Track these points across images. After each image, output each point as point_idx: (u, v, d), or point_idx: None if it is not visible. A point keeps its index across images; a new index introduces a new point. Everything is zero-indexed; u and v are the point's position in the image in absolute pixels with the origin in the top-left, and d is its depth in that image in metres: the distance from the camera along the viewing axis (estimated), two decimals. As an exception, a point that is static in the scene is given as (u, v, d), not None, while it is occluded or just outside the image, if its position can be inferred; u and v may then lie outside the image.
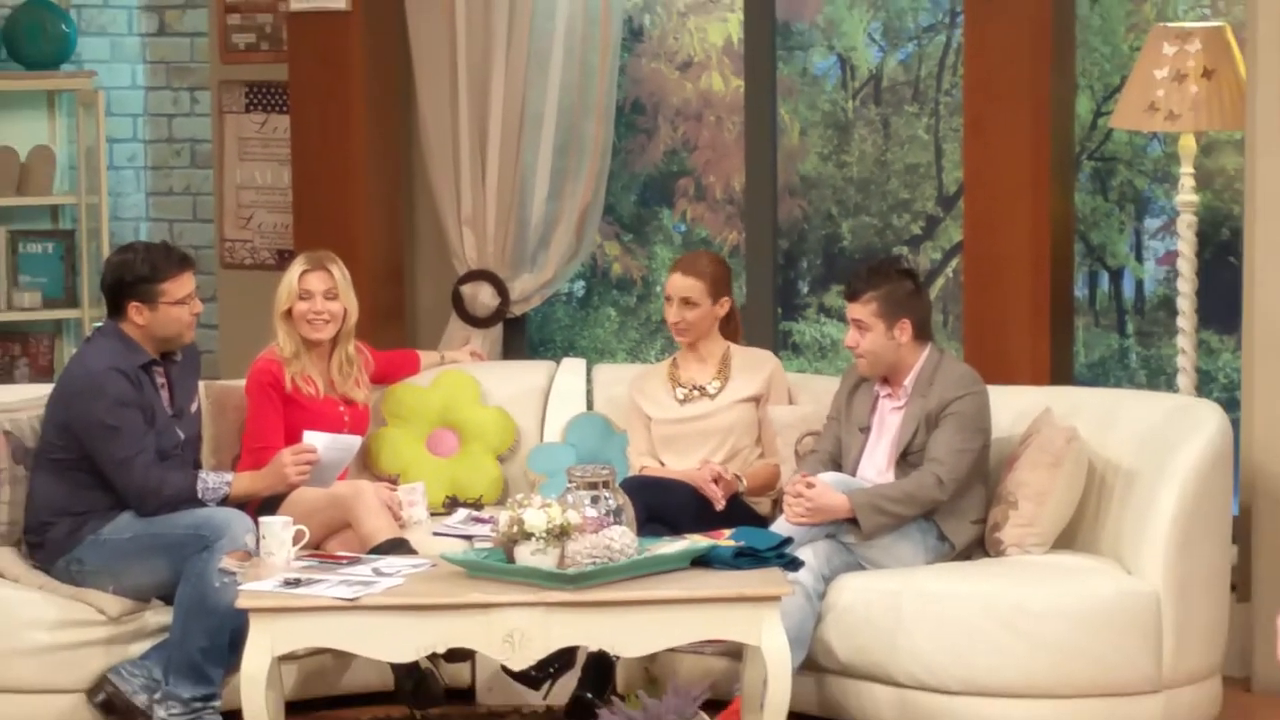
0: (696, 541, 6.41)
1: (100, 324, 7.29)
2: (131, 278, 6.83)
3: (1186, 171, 8.00)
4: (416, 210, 9.28)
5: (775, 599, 6.07)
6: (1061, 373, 8.49)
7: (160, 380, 6.90)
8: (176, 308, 6.83)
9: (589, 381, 8.07)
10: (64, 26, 9.28)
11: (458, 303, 8.90)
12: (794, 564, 6.50)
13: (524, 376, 8.17)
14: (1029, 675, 6.53)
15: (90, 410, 6.68)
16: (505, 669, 6.54)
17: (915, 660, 6.61)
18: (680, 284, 7.33)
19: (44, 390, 7.21)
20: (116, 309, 6.88)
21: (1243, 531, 7.37)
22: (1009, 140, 8.27)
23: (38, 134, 9.41)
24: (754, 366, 7.72)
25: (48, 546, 6.75)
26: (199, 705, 6.45)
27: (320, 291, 7.31)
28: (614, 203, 10.17)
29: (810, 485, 6.77)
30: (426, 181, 9.11)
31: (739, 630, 6.12)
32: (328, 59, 8.90)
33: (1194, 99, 7.78)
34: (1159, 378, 9.21)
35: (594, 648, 6.43)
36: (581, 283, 10.53)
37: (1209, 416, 7.05)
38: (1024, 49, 8.24)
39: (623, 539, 6.10)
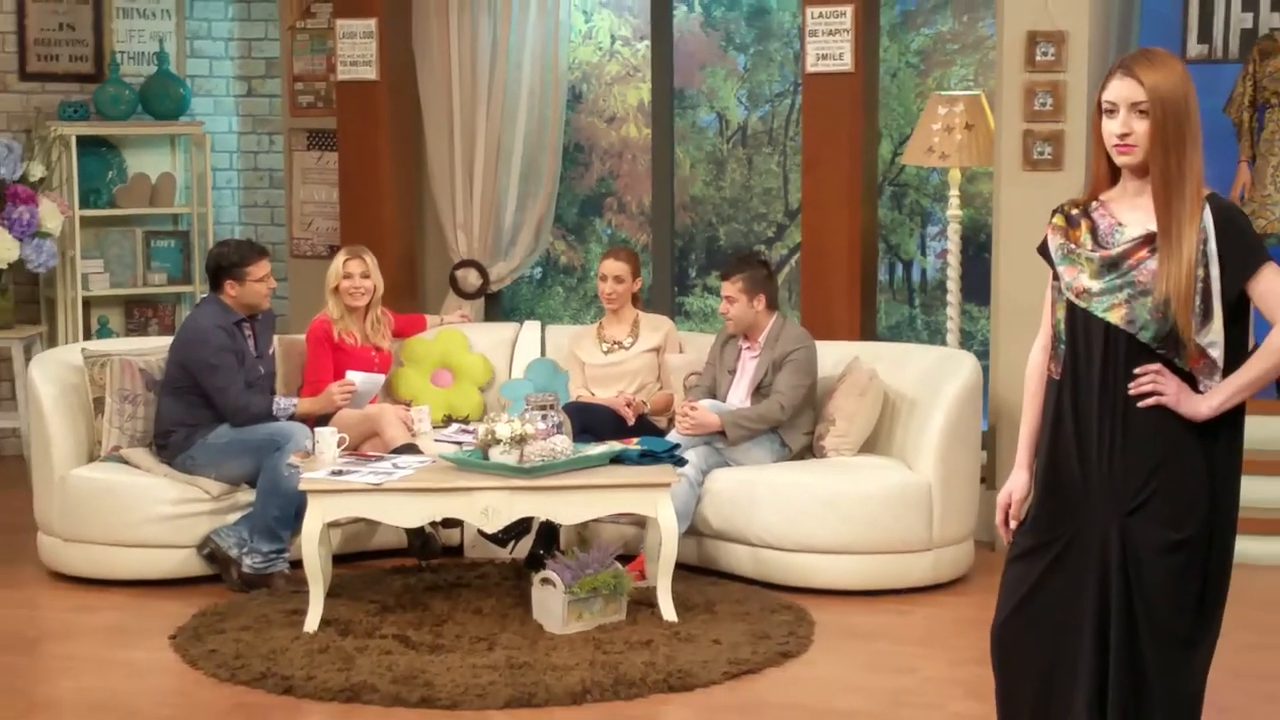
0: (613, 446, 6.60)
1: (205, 295, 7.42)
2: (226, 263, 7.03)
3: (954, 195, 8.19)
4: (424, 218, 9.28)
5: (667, 485, 6.37)
6: (868, 332, 8.54)
7: (248, 333, 7.07)
8: (257, 284, 7.04)
9: (543, 337, 8.15)
10: (182, 90, 9.32)
11: (453, 282, 9.00)
12: (681, 462, 6.71)
13: (498, 333, 8.29)
14: (841, 538, 6.83)
15: (199, 353, 6.88)
16: (482, 533, 6.93)
17: (764, 528, 6.90)
18: (612, 267, 7.55)
19: (167, 340, 7.32)
20: (216, 285, 7.08)
21: (990, 441, 7.75)
22: (834, 172, 8.30)
23: (163, 165, 9.46)
24: (656, 327, 7.90)
25: (170, 448, 6.92)
26: (274, 555, 6.72)
27: (358, 273, 7.47)
28: (562, 213, 10.27)
29: (694, 408, 7.04)
30: (431, 198, 9.17)
31: (642, 506, 6.46)
32: (364, 114, 8.91)
33: (959, 144, 7.99)
34: (936, 337, 9.26)
35: (543, 518, 6.70)
36: (539, 269, 10.75)
37: (967, 362, 7.38)
38: (844, 109, 8.27)
39: (563, 444, 6.39)
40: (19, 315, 8.84)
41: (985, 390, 7.55)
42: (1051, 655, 3.95)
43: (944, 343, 8.30)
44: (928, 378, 7.29)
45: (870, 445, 7.30)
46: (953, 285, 8.28)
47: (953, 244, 8.32)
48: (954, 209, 8.25)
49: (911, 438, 7.18)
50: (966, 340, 8.48)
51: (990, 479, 7.62)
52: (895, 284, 11.38)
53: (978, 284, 8.47)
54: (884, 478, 7.02)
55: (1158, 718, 3.86)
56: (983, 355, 7.86)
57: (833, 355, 7.41)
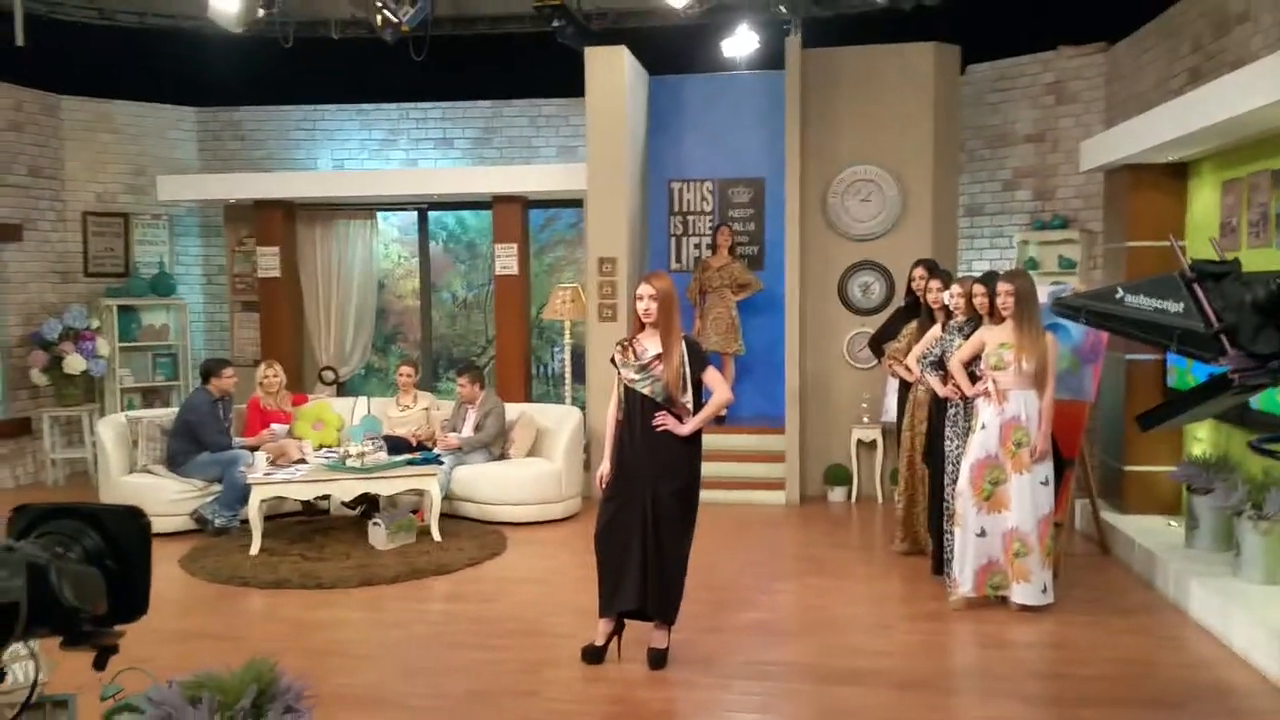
0: (406, 457, 6.35)
1: (198, 385, 7.01)
2: (210, 369, 6.78)
3: (567, 332, 7.90)
4: (304, 345, 8.64)
5: (434, 474, 6.22)
6: (527, 398, 8.06)
7: (220, 407, 6.72)
8: (226, 380, 6.73)
9: (368, 404, 7.44)
10: (172, 281, 8.71)
11: (320, 377, 8.53)
12: (440, 462, 6.39)
13: (345, 403, 7.52)
14: (520, 496, 6.58)
15: (196, 416, 6.62)
16: (343, 503, 6.69)
17: (483, 493, 6.59)
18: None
19: (171, 411, 7.07)
20: (204, 380, 6.78)
21: (588, 448, 7.19)
22: (512, 320, 7.96)
23: (163, 319, 8.71)
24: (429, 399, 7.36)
25: (176, 464, 6.62)
26: (232, 518, 6.43)
27: (272, 374, 7.07)
28: (375, 342, 9.67)
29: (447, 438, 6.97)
30: (308, 334, 8.61)
31: (422, 484, 6.22)
32: (272, 293, 8.39)
33: (570, 309, 7.55)
34: (558, 401, 8.32)
35: (373, 492, 6.39)
36: (364, 370, 9.60)
37: (576, 413, 7.12)
38: (516, 291, 7.97)
39: (383, 457, 6.24)
40: (84, 399, 8.37)
41: (584, 426, 7.27)
42: (622, 545, 4.08)
43: (565, 402, 7.97)
44: (558, 419, 7.12)
45: (534, 451, 7.04)
46: (568, 376, 8.02)
47: (566, 356, 8.04)
48: (567, 339, 8.01)
49: (549, 448, 6.99)
50: (575, 401, 7.95)
51: (589, 468, 7.08)
52: (540, 375, 11.18)
53: (580, 375, 8.09)
54: (539, 467, 6.84)
55: (670, 565, 4.08)
56: (583, 408, 7.54)
57: (512, 410, 7.16)
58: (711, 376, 4.11)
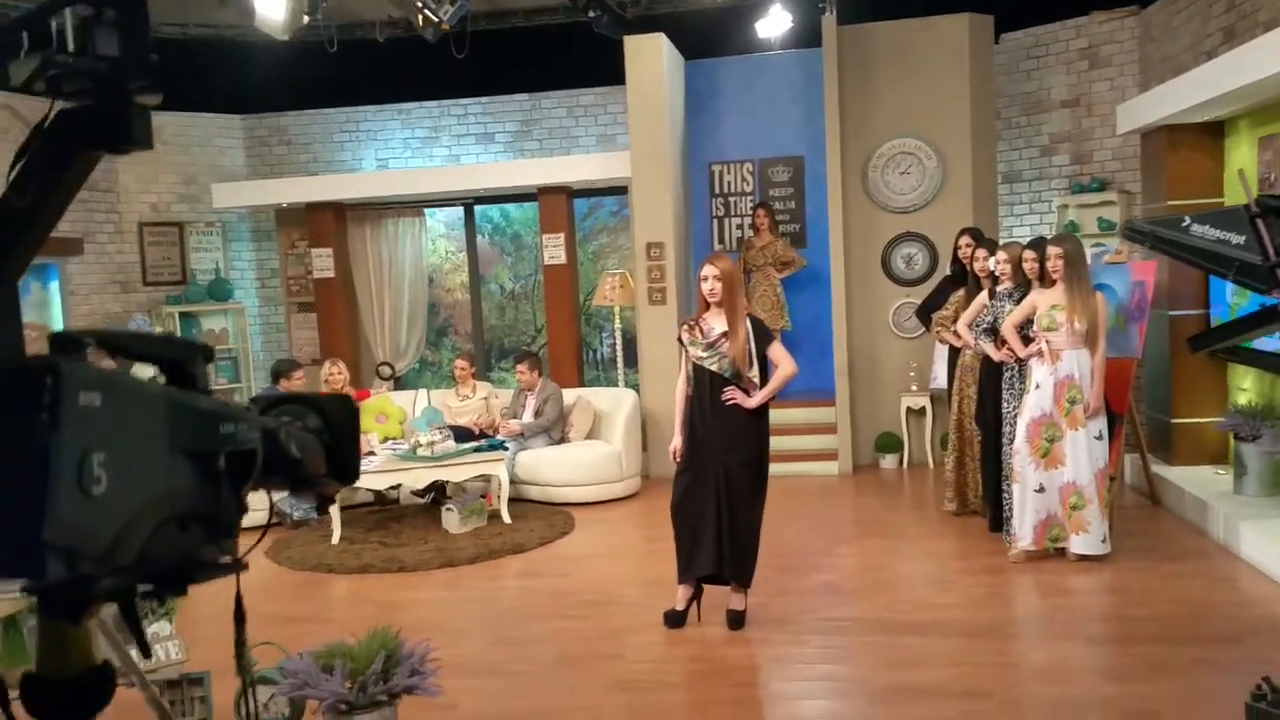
0: (473, 445, 6.55)
1: (268, 385, 7.12)
2: (281, 369, 6.89)
3: (617, 318, 8.36)
4: (360, 342, 8.86)
5: (500, 459, 6.42)
6: (580, 383, 8.15)
7: None
8: (297, 381, 6.80)
9: (428, 396, 7.61)
10: (229, 286, 8.92)
11: (377, 372, 8.71)
12: (505, 448, 6.59)
13: (405, 396, 7.70)
14: (582, 478, 6.75)
15: None
16: (413, 491, 6.93)
17: (546, 476, 6.71)
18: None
19: None
20: (275, 379, 6.90)
21: (644, 429, 7.36)
22: (560, 309, 8.20)
23: (222, 324, 8.94)
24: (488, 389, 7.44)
25: None
26: (310, 510, 6.44)
27: (335, 371, 7.13)
28: (428, 336, 9.75)
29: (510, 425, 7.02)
30: (363, 331, 8.82)
31: (489, 470, 6.42)
32: (328, 293, 8.63)
33: (619, 294, 7.66)
34: (612, 384, 8.56)
35: (442, 479, 6.47)
36: (418, 364, 9.78)
37: (630, 395, 7.28)
38: (564, 281, 8.16)
39: (451, 445, 6.43)
40: (150, 403, 8.69)
41: (640, 407, 7.42)
42: (697, 514, 4.25)
43: (617, 385, 8.20)
44: (614, 402, 7.32)
45: (592, 434, 7.22)
46: (619, 361, 8.27)
47: (617, 340, 8.30)
48: (617, 324, 8.27)
49: (607, 430, 7.18)
50: (628, 385, 8.16)
51: (646, 448, 7.43)
52: (590, 360, 11.25)
53: (631, 360, 8.28)
54: (599, 449, 7.01)
55: (743, 532, 4.27)
56: (636, 390, 7.70)
57: (569, 395, 7.33)
58: (776, 351, 4.31)
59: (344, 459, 1.32)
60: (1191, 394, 6.10)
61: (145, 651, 1.31)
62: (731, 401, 4.22)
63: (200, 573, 1.07)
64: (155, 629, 3.75)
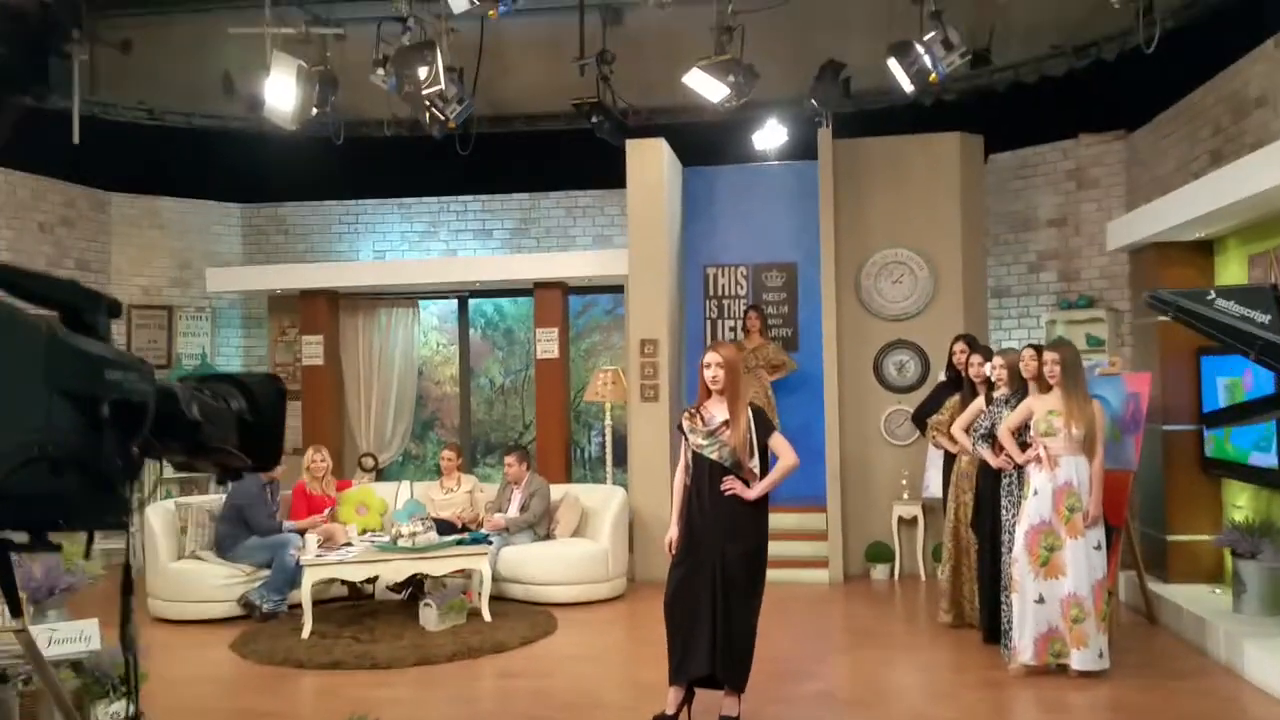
0: (455, 537, 6.45)
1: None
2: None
3: (608, 415, 8.06)
4: (344, 432, 8.86)
5: (484, 554, 6.28)
6: (567, 479, 8.20)
7: (268, 491, 6.79)
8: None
9: (410, 488, 7.51)
10: (214, 373, 9.21)
11: (360, 464, 8.64)
12: (489, 542, 6.45)
13: (387, 489, 7.61)
14: (566, 577, 6.60)
15: (245, 500, 6.64)
16: (388, 586, 6.73)
17: (529, 574, 6.64)
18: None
19: (217, 498, 7.02)
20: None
21: (631, 526, 7.31)
22: (551, 405, 8.21)
23: None
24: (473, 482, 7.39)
25: (224, 548, 6.67)
26: (280, 601, 6.44)
27: (319, 459, 7.16)
28: (413, 429, 9.67)
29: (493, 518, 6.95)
30: (349, 421, 8.83)
31: (471, 564, 6.25)
32: (316, 381, 8.61)
33: (610, 390, 7.60)
34: (599, 481, 8.41)
35: (422, 573, 6.37)
36: (401, 456, 9.58)
37: (619, 493, 7.13)
38: (555, 375, 8.20)
39: (433, 537, 6.28)
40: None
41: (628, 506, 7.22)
42: (692, 611, 4.14)
43: (605, 482, 7.97)
44: (602, 499, 7.18)
45: (579, 532, 7.10)
46: (608, 458, 8.11)
47: (607, 437, 8.16)
48: (607, 421, 8.10)
49: (594, 529, 7.05)
50: (615, 482, 7.87)
51: (633, 549, 7.28)
52: (578, 459, 11.05)
53: (620, 459, 8.07)
54: (585, 547, 6.90)
55: (739, 630, 4.15)
56: (625, 488, 7.47)
57: (556, 491, 7.24)
58: (778, 442, 4.28)
59: (264, 441, 1.28)
60: (1186, 511, 6.08)
61: (14, 609, 1.26)
62: (731, 492, 4.16)
63: (71, 518, 1.03)
64: (116, 709, 3.56)
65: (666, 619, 4.24)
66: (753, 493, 4.17)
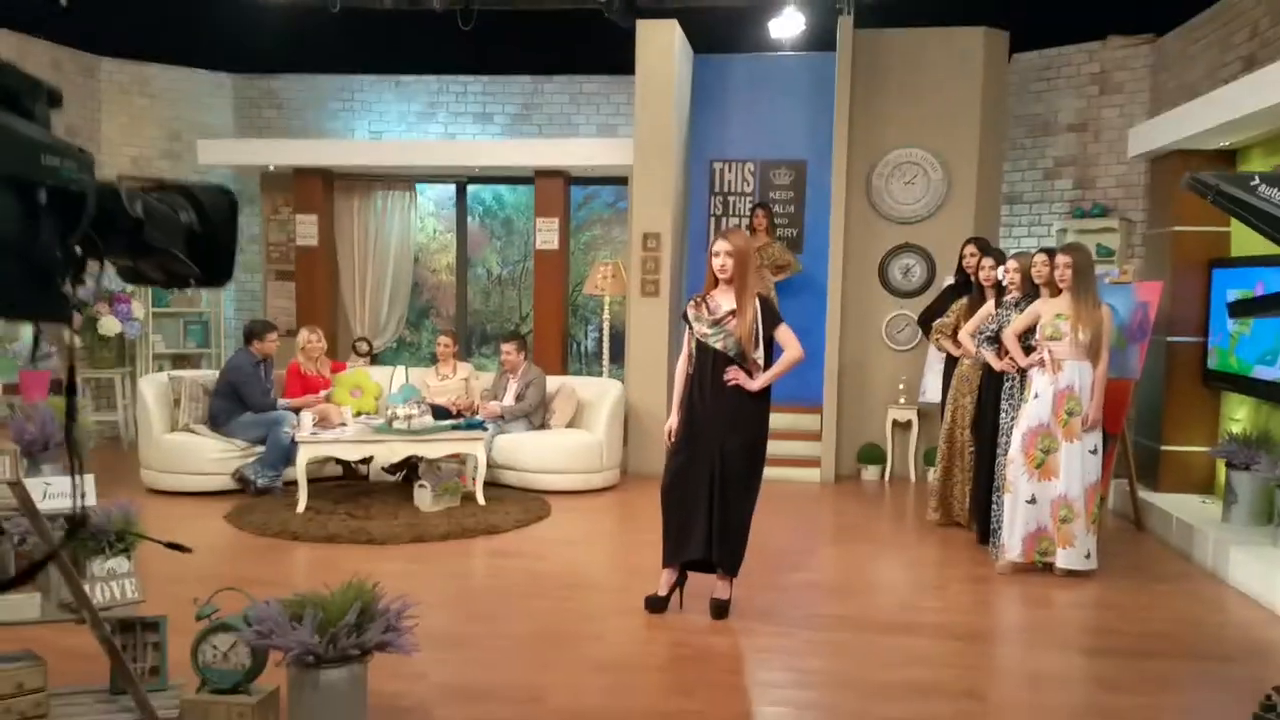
0: (451, 422, 6.47)
1: (240, 347, 6.95)
2: (254, 331, 6.81)
3: (605, 309, 8.27)
4: (338, 314, 8.77)
5: (479, 439, 6.30)
6: (564, 371, 8.12)
7: (262, 368, 6.77)
8: (269, 344, 6.77)
9: (406, 373, 7.53)
10: None
11: (354, 347, 8.40)
12: (484, 428, 6.46)
13: (383, 372, 7.59)
14: (561, 465, 6.64)
15: (239, 376, 6.66)
16: (382, 468, 6.85)
17: (524, 462, 6.68)
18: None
19: (212, 373, 7.08)
20: (247, 341, 6.81)
21: (627, 419, 7.25)
22: (548, 298, 8.18)
23: None
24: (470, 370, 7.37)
25: (218, 423, 6.68)
26: (275, 478, 6.50)
27: (315, 338, 7.12)
28: (408, 315, 9.51)
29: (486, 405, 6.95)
30: (343, 305, 8.73)
31: (466, 449, 6.30)
32: (309, 262, 8.52)
33: (610, 284, 7.66)
34: (596, 374, 8.57)
35: (416, 455, 6.29)
36: (396, 342, 9.42)
37: (615, 386, 7.16)
38: (554, 267, 8.11)
39: (429, 420, 6.31)
40: (117, 361, 8.47)
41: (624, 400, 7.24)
42: (690, 499, 4.14)
43: (602, 375, 8.09)
44: (598, 392, 7.19)
45: (574, 423, 7.10)
46: (605, 353, 8.15)
47: (605, 332, 8.14)
48: (605, 315, 8.11)
49: (590, 420, 7.06)
50: (612, 377, 7.90)
51: (628, 442, 7.33)
52: (574, 353, 11.03)
53: (617, 355, 8.27)
54: (580, 437, 6.93)
55: (735, 518, 4.17)
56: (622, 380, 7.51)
57: (552, 382, 7.26)
58: (784, 333, 4.22)
59: (214, 253, 1.23)
60: (1183, 422, 6.11)
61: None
62: (733, 382, 4.13)
63: (7, 309, 1.00)
64: (112, 565, 3.57)
65: (663, 505, 4.25)
66: (756, 384, 4.14)
